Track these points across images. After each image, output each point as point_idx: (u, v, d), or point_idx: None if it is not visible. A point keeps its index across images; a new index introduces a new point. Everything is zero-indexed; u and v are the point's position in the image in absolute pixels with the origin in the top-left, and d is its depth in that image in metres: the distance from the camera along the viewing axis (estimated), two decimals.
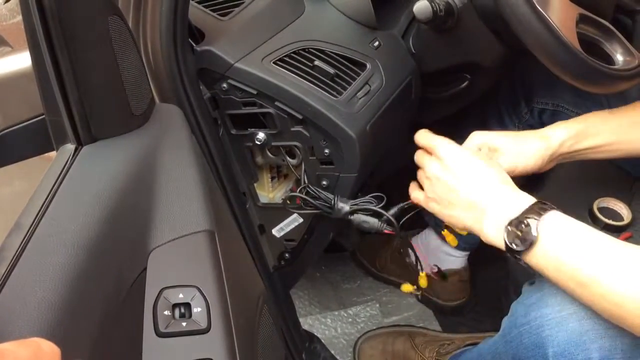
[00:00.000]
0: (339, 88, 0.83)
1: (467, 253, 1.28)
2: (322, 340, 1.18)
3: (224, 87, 0.79)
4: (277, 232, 0.94)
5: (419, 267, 0.88)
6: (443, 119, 1.10)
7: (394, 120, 0.94)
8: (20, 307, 0.41)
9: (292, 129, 0.81)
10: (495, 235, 0.67)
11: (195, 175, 0.61)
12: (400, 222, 0.81)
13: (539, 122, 1.09)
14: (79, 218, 0.49)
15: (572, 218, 0.65)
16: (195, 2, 0.83)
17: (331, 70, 0.82)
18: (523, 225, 0.64)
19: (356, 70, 0.87)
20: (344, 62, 0.87)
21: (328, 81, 0.82)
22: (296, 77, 0.80)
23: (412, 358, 1.17)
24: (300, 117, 0.79)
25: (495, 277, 1.26)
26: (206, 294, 0.51)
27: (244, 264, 0.75)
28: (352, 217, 0.82)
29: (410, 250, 1.29)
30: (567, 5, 0.77)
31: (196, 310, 0.50)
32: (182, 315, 0.49)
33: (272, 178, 0.92)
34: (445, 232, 0.89)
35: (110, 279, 0.49)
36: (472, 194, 0.70)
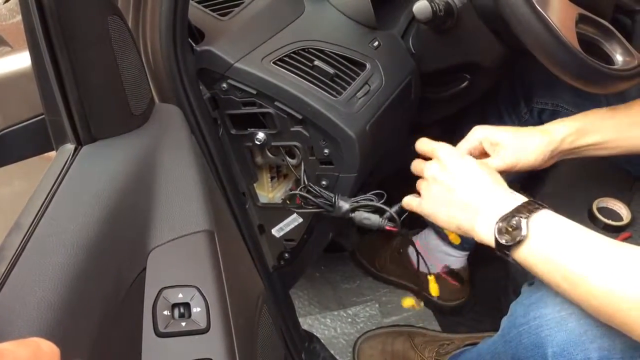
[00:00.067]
0: (338, 88, 0.83)
1: (467, 253, 1.28)
2: (322, 340, 1.17)
3: (224, 87, 0.79)
4: (276, 232, 0.94)
5: (426, 271, 0.87)
6: (443, 119, 1.10)
7: (394, 120, 0.94)
8: (20, 306, 0.41)
9: (292, 129, 0.81)
10: (486, 233, 0.68)
11: (194, 175, 0.61)
12: (401, 219, 0.81)
13: (538, 122, 1.09)
14: (79, 218, 0.49)
15: (563, 217, 0.65)
16: (195, 2, 0.83)
17: (331, 70, 0.82)
18: (513, 222, 0.64)
19: (356, 70, 0.87)
20: (344, 62, 0.87)
21: (328, 81, 0.82)
22: (296, 77, 0.80)
23: (411, 358, 1.17)
24: (299, 117, 0.79)
25: (495, 277, 1.26)
26: (205, 294, 0.51)
27: (243, 264, 0.75)
28: (353, 215, 0.82)
29: (412, 249, 1.29)
30: (567, 5, 0.77)
31: (195, 310, 0.50)
32: (181, 315, 0.49)
33: (272, 178, 0.92)
34: (448, 230, 0.89)
35: (109, 279, 0.49)
36: (467, 195, 0.71)
